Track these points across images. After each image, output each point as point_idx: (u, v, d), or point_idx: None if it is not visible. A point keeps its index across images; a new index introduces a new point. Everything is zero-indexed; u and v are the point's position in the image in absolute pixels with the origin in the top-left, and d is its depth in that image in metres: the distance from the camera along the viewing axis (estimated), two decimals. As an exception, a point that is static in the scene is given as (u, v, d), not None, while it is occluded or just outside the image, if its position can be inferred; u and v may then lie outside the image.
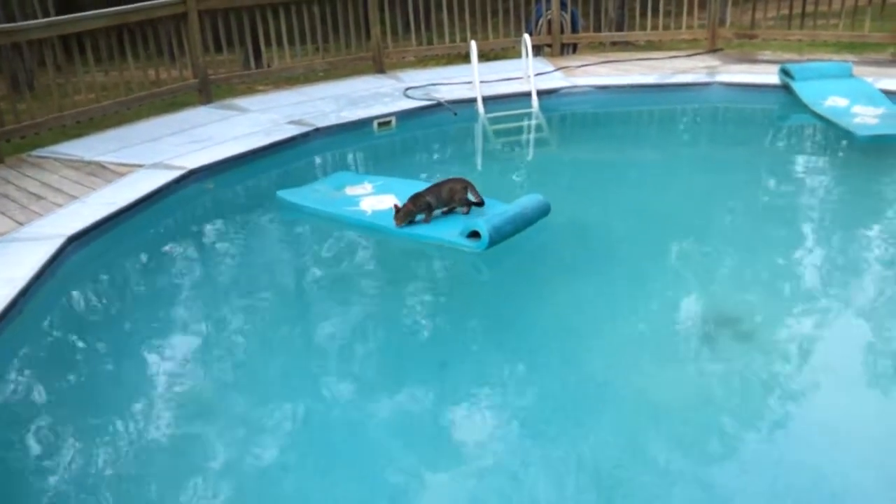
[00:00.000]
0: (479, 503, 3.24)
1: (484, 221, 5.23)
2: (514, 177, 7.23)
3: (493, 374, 4.07)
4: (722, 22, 10.83)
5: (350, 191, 6.35)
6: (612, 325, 4.49)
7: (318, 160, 7.84)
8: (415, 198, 5.58)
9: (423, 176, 6.69)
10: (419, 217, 5.59)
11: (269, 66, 10.72)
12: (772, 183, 6.85)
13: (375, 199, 6.12)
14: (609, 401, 3.81)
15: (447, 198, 5.62)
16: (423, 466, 3.44)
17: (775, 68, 9.23)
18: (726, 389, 3.88)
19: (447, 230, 5.47)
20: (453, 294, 5.10)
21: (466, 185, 5.67)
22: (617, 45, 11.85)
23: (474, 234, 5.26)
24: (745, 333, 4.26)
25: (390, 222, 5.56)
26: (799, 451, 3.49)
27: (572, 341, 4.33)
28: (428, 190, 5.64)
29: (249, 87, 10.38)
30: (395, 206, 5.58)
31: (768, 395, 3.82)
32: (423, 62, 11.71)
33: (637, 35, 11.20)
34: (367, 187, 6.40)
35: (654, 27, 10.88)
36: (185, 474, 3.44)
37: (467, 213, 5.65)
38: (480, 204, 5.69)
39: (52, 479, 3.47)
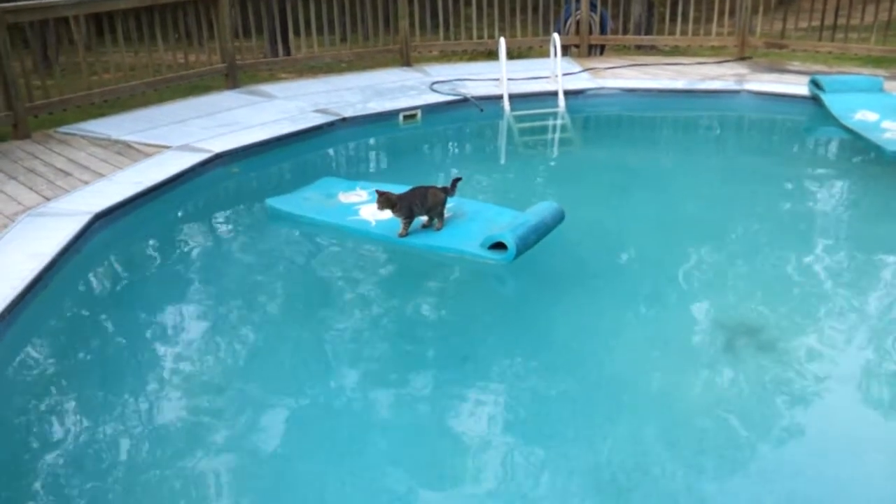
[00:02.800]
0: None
1: (509, 232, 4.94)
2: (537, 176, 7.20)
3: (520, 386, 4.05)
4: (750, 30, 10.75)
5: (344, 198, 5.92)
6: (631, 331, 4.46)
7: (342, 149, 7.84)
8: (400, 197, 5.22)
9: (423, 180, 6.67)
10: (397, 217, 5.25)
11: (289, 54, 10.72)
12: (798, 195, 6.79)
13: (373, 206, 5.63)
14: (628, 406, 3.79)
15: (431, 204, 5.23)
16: (438, 470, 3.42)
17: (805, 79, 9.17)
18: (747, 399, 3.84)
19: (466, 241, 5.16)
20: (475, 303, 4.86)
21: (447, 195, 5.32)
22: (642, 49, 11.80)
23: (496, 245, 4.98)
24: (767, 343, 4.23)
25: (396, 232, 5.28)
26: (820, 463, 3.45)
27: (592, 347, 4.29)
28: (409, 194, 5.24)
29: (272, 74, 10.38)
30: (378, 192, 5.20)
31: (791, 405, 3.79)
32: (446, 57, 11.69)
33: (665, 39, 11.14)
34: (361, 194, 6.01)
35: (682, 32, 10.83)
36: (199, 453, 3.45)
37: (440, 228, 5.29)
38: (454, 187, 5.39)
39: (71, 452, 3.47)
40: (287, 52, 10.85)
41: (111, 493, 3.24)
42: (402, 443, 3.53)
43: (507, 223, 5.12)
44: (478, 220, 5.42)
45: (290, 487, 3.26)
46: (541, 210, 5.32)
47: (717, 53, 10.95)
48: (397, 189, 5.34)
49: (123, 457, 3.46)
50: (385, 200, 5.17)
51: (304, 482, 3.30)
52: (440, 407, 3.81)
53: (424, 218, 5.33)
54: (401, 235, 5.25)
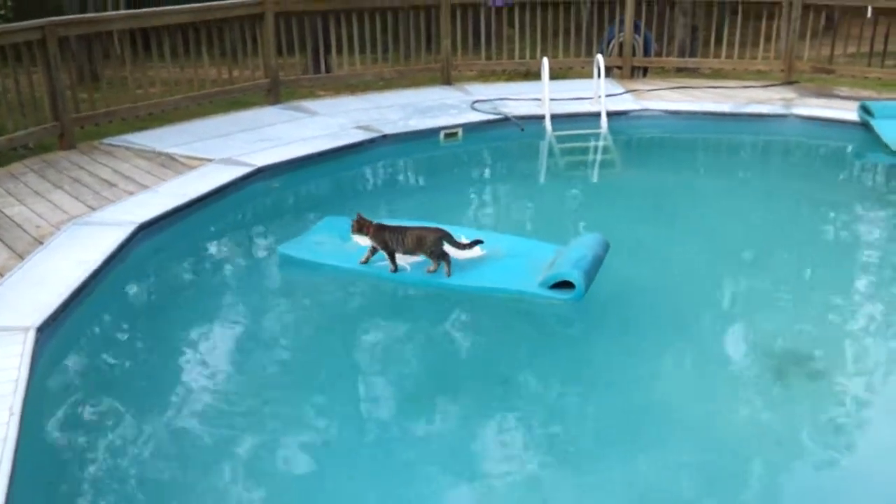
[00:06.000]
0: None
1: (576, 270, 4.54)
2: (578, 198, 7.11)
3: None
4: (796, 55, 10.61)
5: (361, 241, 5.10)
6: (676, 356, 4.36)
7: (383, 166, 7.81)
8: (380, 227, 4.88)
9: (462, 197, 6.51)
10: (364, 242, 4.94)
11: (328, 71, 10.79)
12: (848, 222, 6.63)
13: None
14: (673, 433, 3.69)
15: (412, 246, 4.81)
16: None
17: (853, 104, 8.99)
18: (794, 428, 3.73)
19: (520, 280, 4.77)
20: (518, 334, 4.59)
21: (441, 237, 4.81)
22: (683, 72, 11.69)
23: (557, 284, 4.61)
24: (816, 373, 4.11)
25: (439, 276, 4.85)
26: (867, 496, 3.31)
27: (637, 373, 4.16)
28: (394, 228, 4.89)
29: (311, 91, 10.40)
30: (358, 217, 4.91)
31: (839, 436, 3.67)
32: (486, 76, 11.65)
33: (709, 62, 11.02)
34: None
35: (727, 56, 10.71)
36: (250, 480, 3.39)
37: (433, 270, 4.85)
38: (469, 246, 4.87)
39: (113, 457, 3.43)
40: (328, 69, 10.91)
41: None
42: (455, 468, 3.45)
43: (568, 259, 4.70)
44: (520, 257, 5.08)
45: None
46: (592, 243, 4.91)
47: (759, 78, 10.80)
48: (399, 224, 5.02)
49: (162, 468, 3.41)
50: (357, 225, 4.88)
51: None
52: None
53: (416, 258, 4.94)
54: (360, 262, 4.97)
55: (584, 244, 4.90)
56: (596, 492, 3.31)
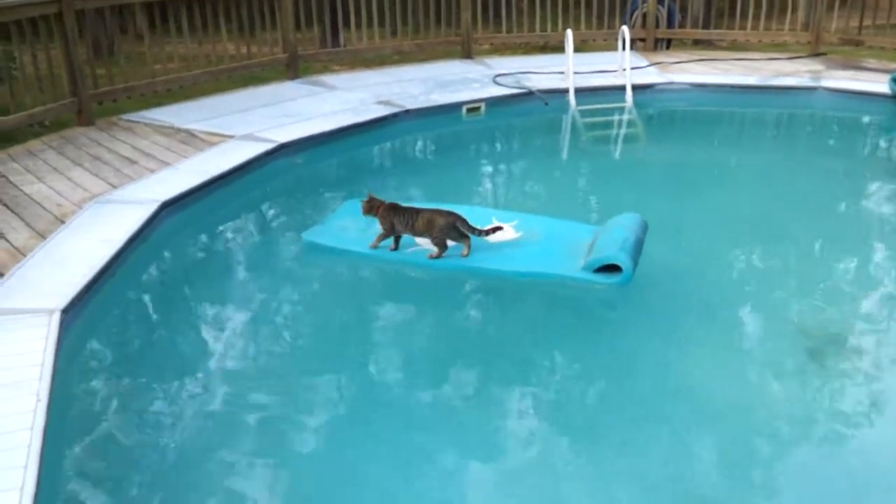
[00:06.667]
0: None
1: (622, 253, 4.32)
2: (605, 173, 6.94)
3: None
4: (806, 26, 10.38)
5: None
6: (708, 337, 4.20)
7: (406, 141, 7.69)
8: (390, 208, 4.68)
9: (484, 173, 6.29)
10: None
11: (345, 45, 10.62)
12: (882, 197, 6.45)
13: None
14: (706, 417, 3.57)
15: (422, 229, 4.61)
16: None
17: (883, 77, 8.78)
18: (827, 409, 3.63)
19: (561, 264, 4.55)
20: (554, 319, 4.39)
21: (454, 221, 4.58)
22: (700, 45, 11.45)
23: (601, 268, 4.41)
24: (852, 351, 4.00)
25: (481, 262, 4.62)
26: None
27: (670, 355, 4.03)
28: (406, 209, 4.69)
29: (325, 66, 10.22)
30: (369, 197, 4.73)
31: (881, 416, 3.56)
32: (506, 50, 11.47)
33: (735, 34, 10.78)
34: None
35: (742, 28, 10.48)
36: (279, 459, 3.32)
37: (436, 256, 4.63)
38: (487, 233, 4.64)
39: (142, 443, 3.36)
40: (337, 42, 10.74)
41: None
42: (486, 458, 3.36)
43: (611, 242, 4.46)
44: (557, 240, 4.86)
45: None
46: (631, 224, 4.67)
47: (779, 50, 10.58)
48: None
49: (193, 452, 3.34)
50: (367, 206, 4.72)
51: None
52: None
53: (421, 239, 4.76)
54: (371, 246, 4.77)
55: (624, 226, 4.65)
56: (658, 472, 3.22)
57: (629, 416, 3.55)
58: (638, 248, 4.45)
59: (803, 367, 3.89)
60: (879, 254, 5.27)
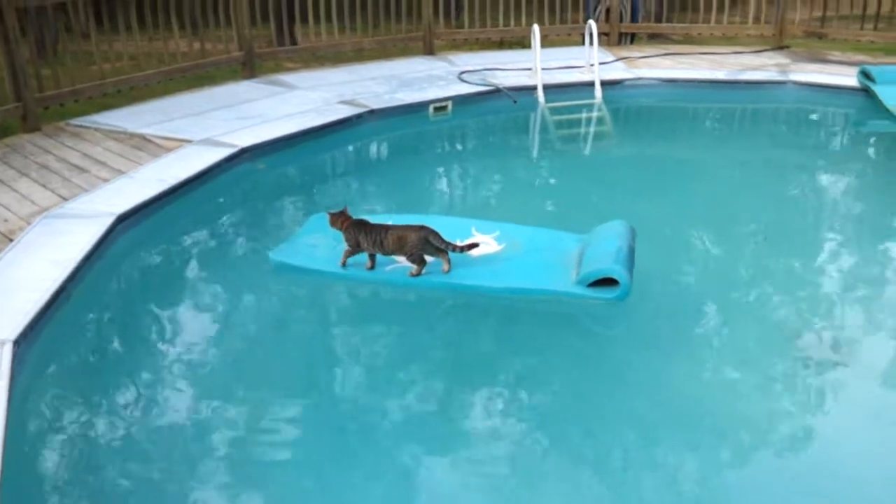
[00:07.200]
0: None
1: (615, 265, 4.07)
2: (578, 173, 6.73)
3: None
4: (757, 18, 10.33)
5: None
6: (696, 342, 4.04)
7: (373, 143, 7.39)
8: (357, 224, 4.36)
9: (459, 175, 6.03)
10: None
11: (294, 43, 10.27)
12: (858, 192, 6.35)
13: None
14: (706, 427, 3.41)
15: (392, 247, 4.28)
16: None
17: (850, 69, 8.76)
18: (820, 414, 3.53)
19: (555, 279, 4.27)
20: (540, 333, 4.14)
21: (426, 235, 4.25)
22: (654, 39, 11.32)
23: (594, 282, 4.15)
24: (836, 347, 3.89)
25: (466, 278, 4.30)
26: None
27: (658, 364, 3.84)
28: (372, 227, 4.34)
29: (278, 64, 9.83)
30: (330, 214, 4.43)
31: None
32: (467, 46, 11.21)
33: (700, 27, 10.66)
34: None
35: (717, 21, 10.38)
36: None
37: (416, 274, 4.31)
38: (463, 249, 4.32)
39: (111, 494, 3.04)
40: (293, 41, 10.39)
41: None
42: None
43: (604, 253, 4.22)
44: (543, 251, 4.57)
45: None
46: (622, 232, 4.43)
47: (733, 43, 10.53)
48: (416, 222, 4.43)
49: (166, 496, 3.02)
50: (333, 219, 4.40)
51: None
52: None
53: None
54: (340, 264, 4.40)
55: (614, 234, 4.40)
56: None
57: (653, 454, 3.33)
58: (631, 259, 4.21)
59: (789, 368, 3.73)
60: (871, 251, 5.14)
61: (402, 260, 4.42)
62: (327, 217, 4.45)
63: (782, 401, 3.58)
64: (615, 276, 4.05)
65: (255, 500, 3.05)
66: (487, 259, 4.51)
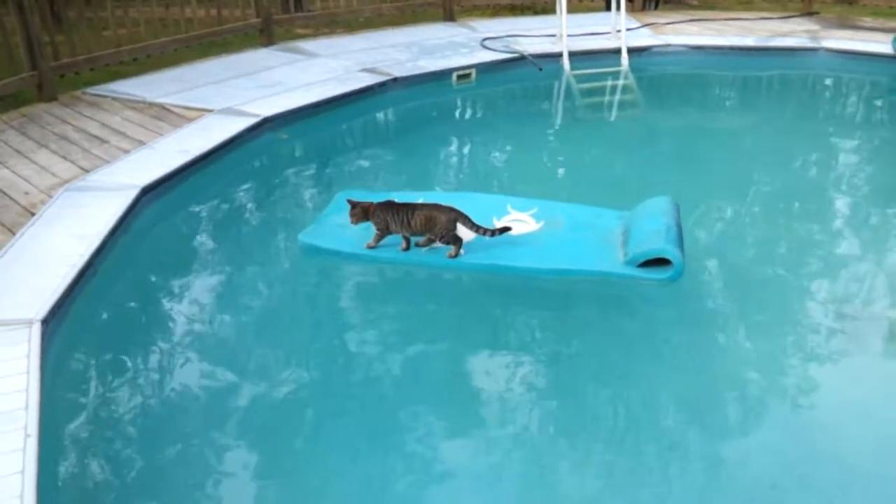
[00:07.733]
0: None
1: (670, 245, 3.89)
2: (606, 143, 6.54)
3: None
4: None
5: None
6: (735, 319, 3.89)
7: (398, 113, 7.19)
8: (384, 206, 4.22)
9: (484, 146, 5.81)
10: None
11: (300, 9, 10.04)
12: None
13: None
14: (757, 405, 3.31)
15: (420, 227, 4.14)
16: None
17: (883, 36, 8.53)
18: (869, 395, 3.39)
19: (601, 259, 4.08)
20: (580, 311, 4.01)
21: (456, 217, 4.13)
22: (669, 4, 11.04)
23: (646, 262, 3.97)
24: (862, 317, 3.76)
25: (509, 259, 4.11)
26: None
27: (700, 342, 3.74)
28: (399, 206, 4.20)
29: (288, 31, 9.56)
30: (350, 202, 4.26)
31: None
32: (488, 12, 10.95)
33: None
34: None
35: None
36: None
37: (455, 255, 4.15)
38: (491, 233, 4.16)
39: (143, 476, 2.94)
40: (299, 6, 10.17)
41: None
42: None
43: (653, 231, 4.01)
44: (584, 229, 4.37)
45: None
46: (667, 208, 4.24)
47: (747, 8, 10.27)
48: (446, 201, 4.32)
49: (198, 476, 2.92)
50: (360, 212, 4.23)
51: None
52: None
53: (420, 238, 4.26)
54: (368, 246, 4.27)
55: (659, 211, 4.20)
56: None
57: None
58: (681, 237, 4.03)
59: (871, 363, 3.59)
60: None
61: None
62: (349, 218, 4.25)
63: (849, 390, 3.44)
64: (668, 257, 3.89)
65: (294, 469, 2.95)
66: (527, 238, 4.33)
